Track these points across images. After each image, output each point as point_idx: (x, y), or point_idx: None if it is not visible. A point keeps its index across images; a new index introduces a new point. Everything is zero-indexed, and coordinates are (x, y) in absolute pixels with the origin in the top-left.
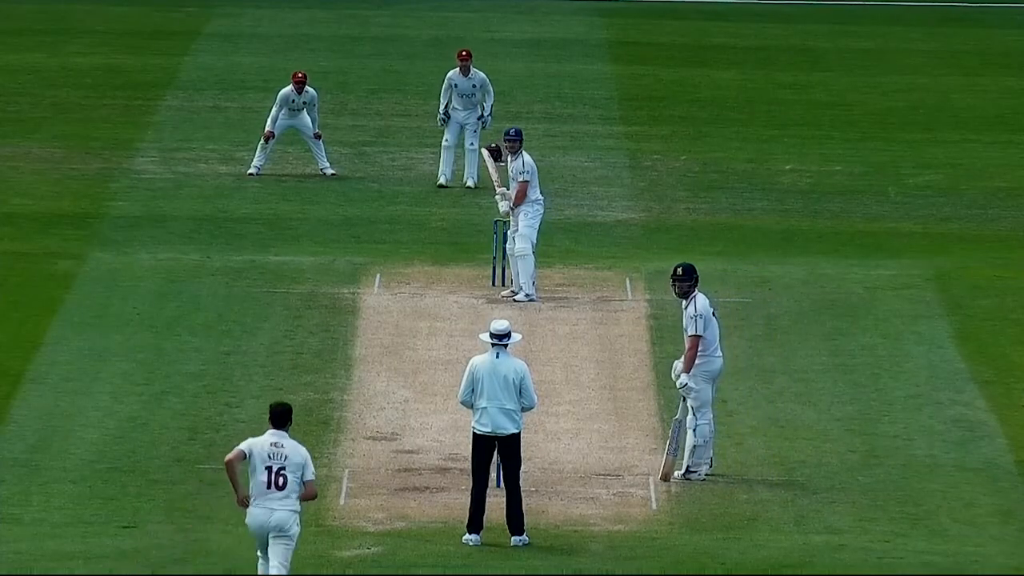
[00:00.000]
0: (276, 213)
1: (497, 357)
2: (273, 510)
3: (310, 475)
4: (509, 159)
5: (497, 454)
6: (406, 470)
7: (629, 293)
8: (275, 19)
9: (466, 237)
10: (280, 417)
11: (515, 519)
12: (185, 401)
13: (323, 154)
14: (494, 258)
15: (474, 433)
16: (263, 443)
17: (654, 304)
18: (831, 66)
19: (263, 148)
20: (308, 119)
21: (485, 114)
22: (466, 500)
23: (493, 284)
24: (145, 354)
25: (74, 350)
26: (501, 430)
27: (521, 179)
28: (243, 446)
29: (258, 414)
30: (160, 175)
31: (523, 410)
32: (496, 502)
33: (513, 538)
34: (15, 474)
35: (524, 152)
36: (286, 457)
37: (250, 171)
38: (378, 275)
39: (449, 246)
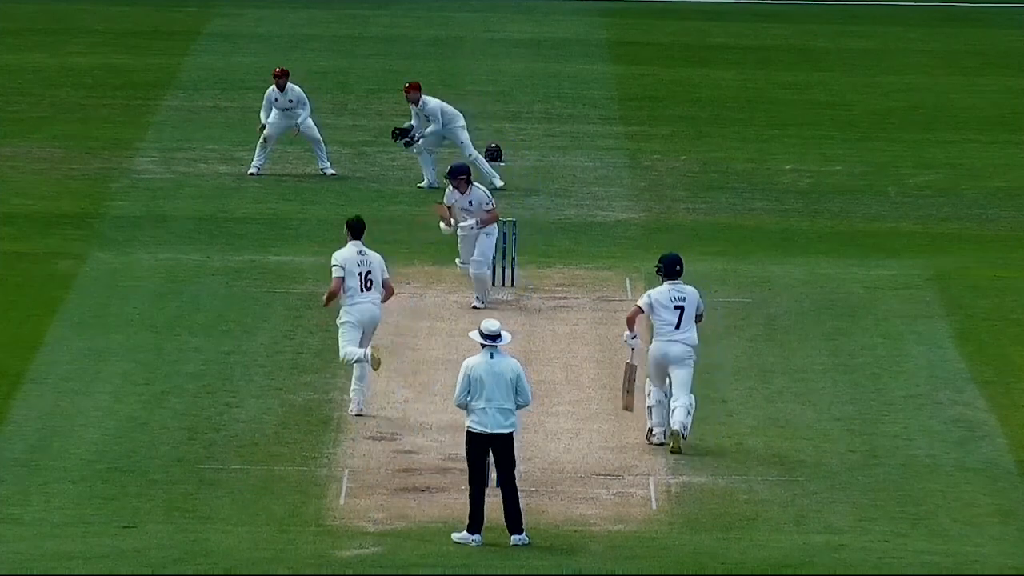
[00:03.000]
0: (276, 213)
1: (492, 357)
2: (371, 305)
3: (387, 275)
4: (458, 196)
5: (492, 454)
6: (406, 470)
7: (629, 293)
8: (275, 19)
9: None
10: (358, 228)
11: (514, 518)
12: (185, 401)
13: (324, 154)
14: (493, 258)
15: (471, 433)
16: (351, 254)
17: None
18: (831, 66)
19: (262, 148)
20: (310, 120)
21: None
22: (467, 500)
23: (493, 284)
24: (145, 354)
25: (74, 350)
26: (500, 429)
27: (487, 208)
28: (337, 272)
29: (258, 414)
30: (160, 175)
31: (518, 407)
32: (495, 502)
33: (513, 537)
34: (15, 474)
35: (474, 184)
36: (371, 263)
37: (250, 171)
38: None
39: (449, 246)
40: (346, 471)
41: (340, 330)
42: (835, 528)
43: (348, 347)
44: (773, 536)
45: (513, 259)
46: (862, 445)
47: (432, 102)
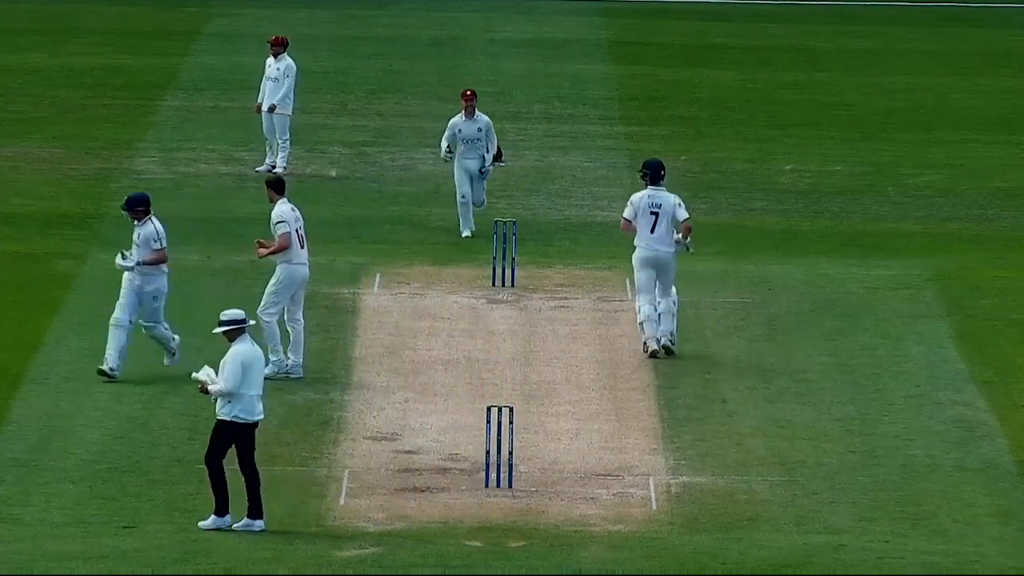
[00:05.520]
0: None
1: (251, 345)
2: (304, 267)
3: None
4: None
5: (237, 442)
6: (406, 470)
7: (629, 293)
8: (275, 19)
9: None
10: (278, 185)
11: (257, 503)
12: (185, 401)
13: (285, 152)
14: (494, 258)
15: (235, 422)
16: (288, 210)
17: None
18: (831, 66)
19: (270, 147)
20: (285, 117)
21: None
22: (467, 500)
23: (493, 284)
24: (145, 354)
25: (74, 350)
26: (261, 416)
27: (154, 247)
28: (284, 228)
29: None
30: (160, 175)
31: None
32: (496, 502)
33: (255, 523)
34: (15, 474)
35: (153, 218)
36: (299, 218)
37: (258, 168)
38: (378, 275)
39: (449, 246)
40: (346, 471)
41: (273, 291)
42: (835, 528)
43: (273, 327)
44: (773, 536)
45: (513, 259)
46: (862, 445)
47: (485, 116)
